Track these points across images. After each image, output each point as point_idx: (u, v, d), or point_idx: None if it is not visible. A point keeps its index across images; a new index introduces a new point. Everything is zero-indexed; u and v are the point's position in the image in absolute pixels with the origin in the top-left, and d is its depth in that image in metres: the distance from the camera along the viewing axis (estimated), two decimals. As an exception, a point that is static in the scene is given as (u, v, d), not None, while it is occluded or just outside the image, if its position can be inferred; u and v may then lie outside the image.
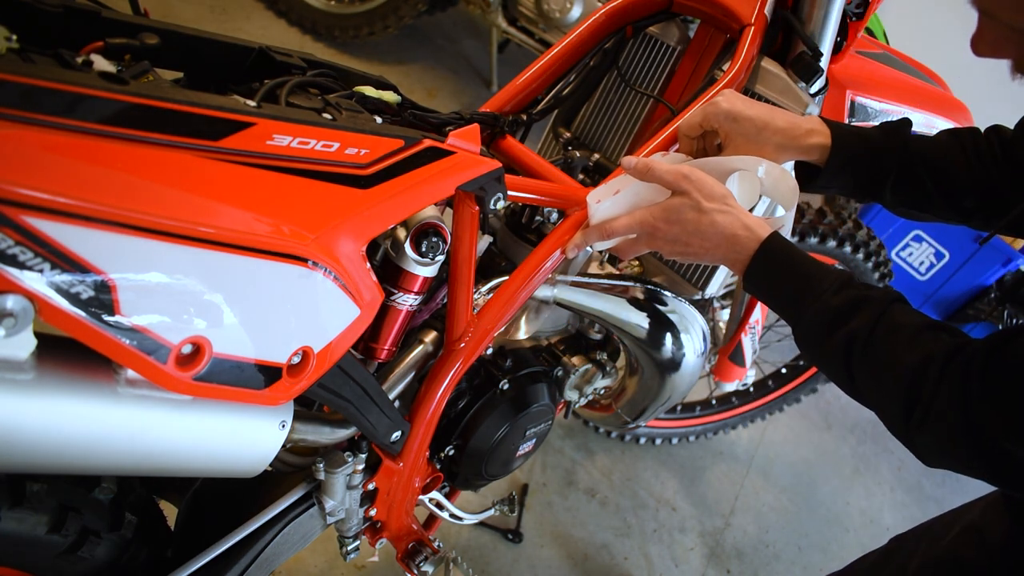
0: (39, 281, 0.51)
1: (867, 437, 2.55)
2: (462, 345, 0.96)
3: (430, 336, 0.99)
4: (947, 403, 0.70)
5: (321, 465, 0.93)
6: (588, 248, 0.96)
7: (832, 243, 1.71)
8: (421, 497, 1.16)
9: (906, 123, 0.99)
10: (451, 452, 1.09)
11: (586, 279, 1.15)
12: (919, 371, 0.72)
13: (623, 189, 0.93)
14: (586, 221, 0.94)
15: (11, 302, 0.50)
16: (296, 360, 0.70)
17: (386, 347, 0.91)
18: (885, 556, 1.07)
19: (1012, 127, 0.98)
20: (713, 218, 0.85)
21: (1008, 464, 0.69)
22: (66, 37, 0.68)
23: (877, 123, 1.01)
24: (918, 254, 2.78)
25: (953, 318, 2.77)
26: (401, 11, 2.72)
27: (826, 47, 1.09)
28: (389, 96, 0.87)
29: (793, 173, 1.01)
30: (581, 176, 1.24)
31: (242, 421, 0.74)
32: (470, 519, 1.28)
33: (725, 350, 1.58)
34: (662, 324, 1.22)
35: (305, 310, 0.67)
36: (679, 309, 1.23)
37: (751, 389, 2.14)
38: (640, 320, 1.20)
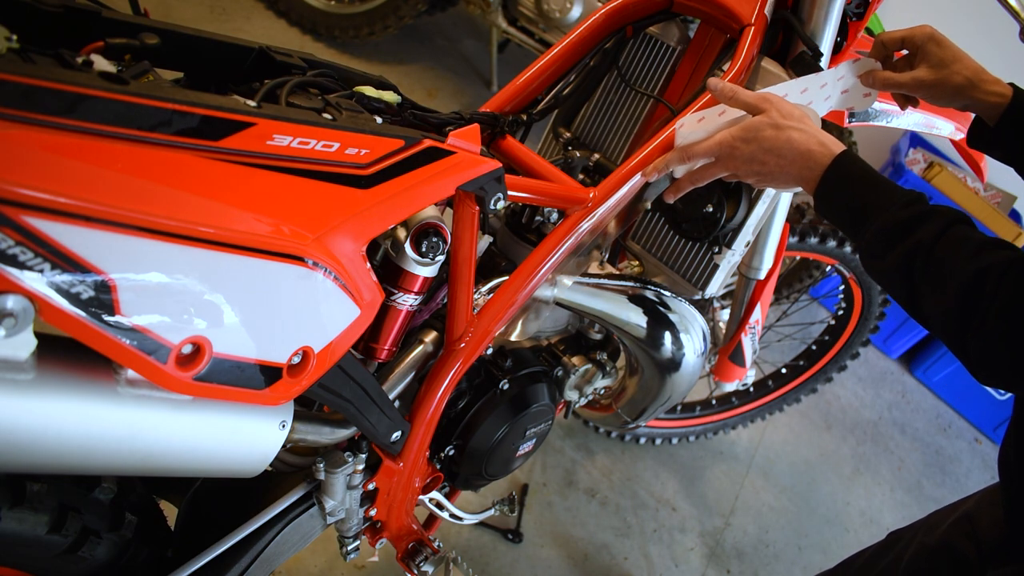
0: (39, 281, 0.51)
1: (867, 437, 2.55)
2: (462, 345, 0.96)
3: (430, 336, 0.99)
4: (1000, 310, 0.71)
5: (321, 465, 0.93)
6: (669, 171, 0.99)
7: (832, 243, 1.71)
8: (421, 497, 1.16)
9: None
10: (451, 452, 1.10)
11: (586, 279, 1.15)
12: (978, 280, 0.73)
13: (708, 116, 0.97)
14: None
15: (11, 302, 0.50)
16: (296, 360, 0.70)
17: (386, 347, 0.91)
18: (883, 548, 1.08)
19: None
20: (789, 135, 0.87)
21: None
22: (66, 37, 0.68)
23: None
24: (918, 254, 2.77)
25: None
26: (401, 11, 2.72)
27: (826, 47, 1.09)
28: (389, 96, 0.87)
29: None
30: (581, 176, 1.24)
31: (242, 421, 0.74)
32: (470, 519, 1.28)
33: (725, 350, 1.58)
34: (662, 324, 1.22)
35: (305, 310, 0.67)
36: (679, 309, 1.23)
37: (751, 389, 2.14)
38: (640, 320, 1.20)
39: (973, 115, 1.04)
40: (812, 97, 1.04)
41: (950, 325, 0.76)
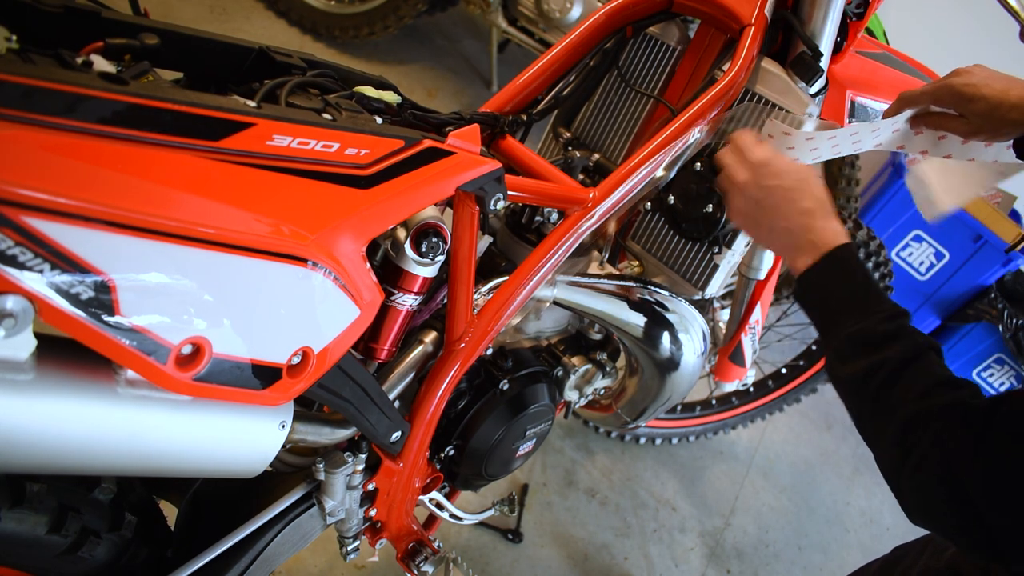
0: (39, 282, 0.51)
1: (867, 437, 2.55)
2: (462, 345, 0.96)
3: (430, 336, 0.99)
4: (937, 457, 0.69)
5: (321, 465, 0.93)
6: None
7: (832, 243, 1.71)
8: (421, 497, 1.16)
9: None
10: (451, 452, 1.09)
11: (586, 279, 1.15)
12: (920, 420, 0.71)
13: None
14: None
15: (11, 302, 0.50)
16: (296, 360, 0.70)
17: (386, 347, 0.91)
18: (888, 565, 1.07)
19: None
20: (804, 203, 0.85)
21: (978, 529, 0.68)
22: (66, 37, 0.68)
23: None
24: (918, 254, 2.77)
25: (953, 318, 2.77)
26: (401, 11, 2.72)
27: (826, 47, 1.09)
28: (389, 96, 0.87)
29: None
30: (581, 176, 1.24)
31: (242, 421, 0.74)
32: (470, 519, 1.28)
33: (725, 350, 1.58)
34: (662, 324, 1.22)
35: (305, 310, 0.67)
36: (679, 309, 1.23)
37: (751, 389, 2.14)
38: (640, 320, 1.20)
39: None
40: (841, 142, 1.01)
41: (890, 459, 0.74)
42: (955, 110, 0.96)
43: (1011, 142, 0.98)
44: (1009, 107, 0.91)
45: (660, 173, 1.09)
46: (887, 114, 1.05)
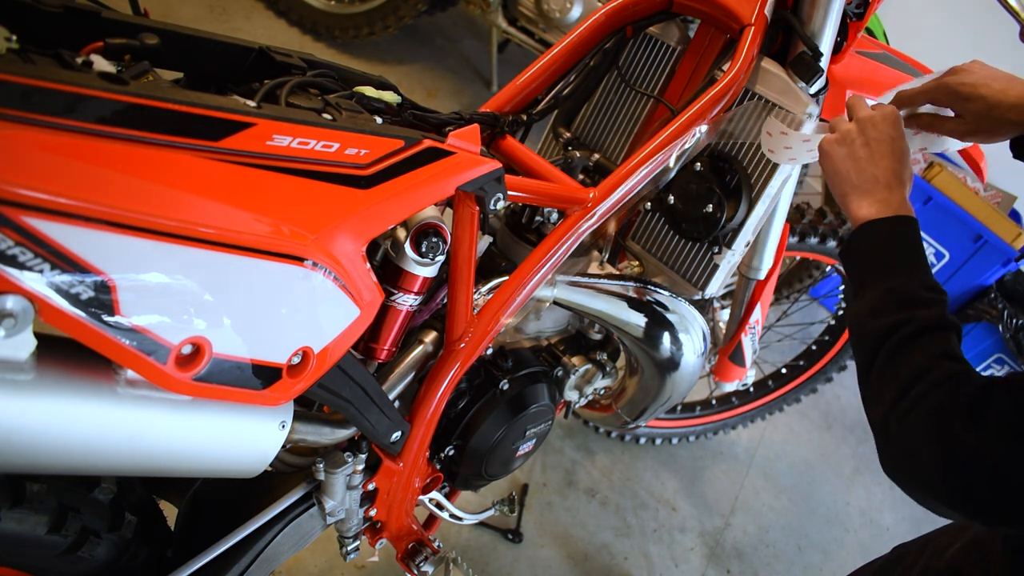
0: (39, 281, 0.51)
1: (867, 437, 2.55)
2: (462, 345, 0.96)
3: (430, 336, 0.99)
4: (933, 401, 0.71)
5: (321, 465, 0.93)
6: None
7: (832, 243, 1.71)
8: (421, 497, 1.16)
9: None
10: (451, 452, 1.10)
11: (586, 279, 1.15)
12: (927, 371, 0.73)
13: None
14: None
15: (11, 302, 0.50)
16: (296, 360, 0.70)
17: (386, 347, 0.91)
18: (889, 564, 1.07)
19: None
20: (902, 159, 0.87)
21: (959, 479, 0.69)
22: (66, 37, 0.68)
23: None
24: (918, 254, 2.77)
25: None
26: (401, 11, 2.72)
27: (826, 47, 1.09)
28: (389, 96, 0.87)
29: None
30: (581, 176, 1.24)
31: (242, 421, 0.74)
32: (470, 519, 1.28)
33: (725, 350, 1.58)
34: (662, 324, 1.22)
35: (305, 310, 0.67)
36: (679, 309, 1.23)
37: (751, 389, 2.14)
38: (640, 320, 1.20)
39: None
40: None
41: (882, 403, 0.76)
42: (952, 109, 0.96)
43: (1008, 142, 0.98)
44: (1008, 107, 0.91)
45: (660, 172, 1.09)
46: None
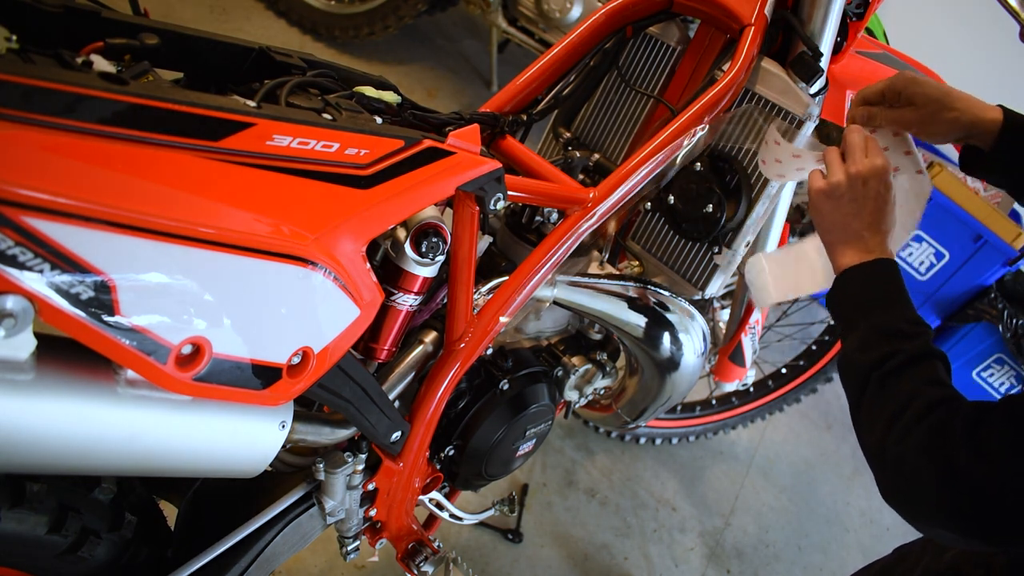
0: (39, 281, 0.51)
1: (867, 437, 2.55)
2: (462, 345, 0.96)
3: (430, 336, 0.99)
4: (926, 425, 0.74)
5: (321, 465, 0.93)
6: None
7: (832, 243, 1.71)
8: (421, 497, 1.16)
9: None
10: (451, 452, 1.09)
11: (586, 279, 1.15)
12: (918, 397, 0.77)
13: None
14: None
15: (11, 302, 0.50)
16: (296, 360, 0.70)
17: (386, 347, 0.91)
18: (888, 567, 1.07)
19: None
20: (887, 208, 0.92)
21: (958, 500, 0.71)
22: (66, 37, 0.68)
23: None
24: (918, 254, 2.77)
25: (953, 318, 2.77)
26: (401, 11, 2.72)
27: (826, 47, 1.09)
28: (389, 96, 0.87)
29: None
30: (581, 176, 1.24)
31: (242, 421, 0.74)
32: (470, 519, 1.28)
33: (725, 350, 1.58)
34: (662, 324, 1.22)
35: (305, 310, 0.67)
36: (679, 309, 1.23)
37: (751, 389, 2.14)
38: (640, 320, 1.20)
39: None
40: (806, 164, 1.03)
41: (875, 434, 0.79)
42: (907, 93, 0.98)
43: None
44: (952, 102, 0.96)
45: (660, 172, 1.09)
46: (849, 115, 1.05)
